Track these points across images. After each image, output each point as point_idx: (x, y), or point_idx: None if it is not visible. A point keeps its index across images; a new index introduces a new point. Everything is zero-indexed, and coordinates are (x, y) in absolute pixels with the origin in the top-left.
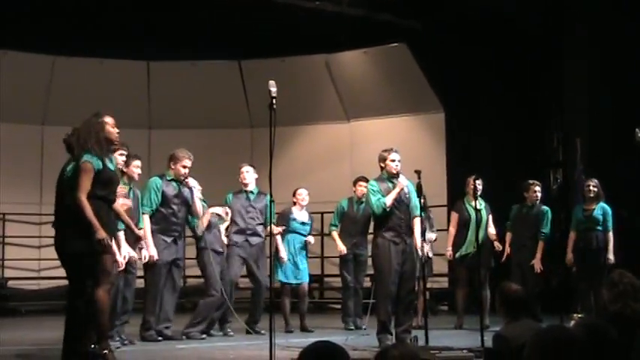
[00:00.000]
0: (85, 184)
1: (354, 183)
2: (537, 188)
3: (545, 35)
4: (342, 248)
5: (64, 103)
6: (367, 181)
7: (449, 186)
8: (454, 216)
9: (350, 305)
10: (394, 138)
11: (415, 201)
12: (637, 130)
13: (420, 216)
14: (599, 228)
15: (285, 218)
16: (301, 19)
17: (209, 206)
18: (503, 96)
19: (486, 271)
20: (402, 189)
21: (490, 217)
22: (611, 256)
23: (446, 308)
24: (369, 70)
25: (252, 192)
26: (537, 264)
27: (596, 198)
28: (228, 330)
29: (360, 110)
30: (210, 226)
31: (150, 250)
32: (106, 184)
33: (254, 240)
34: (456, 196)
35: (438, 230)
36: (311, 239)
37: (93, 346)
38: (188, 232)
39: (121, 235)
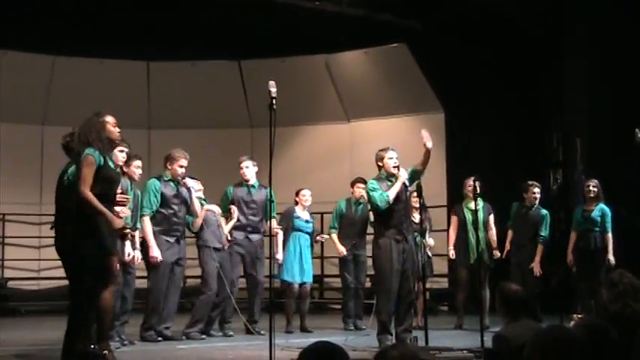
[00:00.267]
0: (88, 177)
1: (352, 184)
2: (536, 190)
3: (545, 35)
4: (342, 249)
5: (64, 103)
6: (365, 182)
7: (449, 186)
8: (453, 219)
9: (350, 306)
10: (394, 138)
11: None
12: (637, 130)
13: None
14: (598, 229)
15: (288, 218)
16: (301, 19)
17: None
18: (503, 96)
19: (486, 272)
20: (404, 182)
21: (492, 217)
22: (611, 258)
23: (446, 308)
24: (369, 70)
25: (253, 186)
26: (536, 267)
27: (596, 198)
28: (228, 330)
29: (360, 110)
30: (207, 223)
31: (153, 252)
32: (106, 181)
33: (254, 237)
34: (455, 196)
35: (437, 230)
36: (324, 237)
37: (93, 346)
38: (188, 232)
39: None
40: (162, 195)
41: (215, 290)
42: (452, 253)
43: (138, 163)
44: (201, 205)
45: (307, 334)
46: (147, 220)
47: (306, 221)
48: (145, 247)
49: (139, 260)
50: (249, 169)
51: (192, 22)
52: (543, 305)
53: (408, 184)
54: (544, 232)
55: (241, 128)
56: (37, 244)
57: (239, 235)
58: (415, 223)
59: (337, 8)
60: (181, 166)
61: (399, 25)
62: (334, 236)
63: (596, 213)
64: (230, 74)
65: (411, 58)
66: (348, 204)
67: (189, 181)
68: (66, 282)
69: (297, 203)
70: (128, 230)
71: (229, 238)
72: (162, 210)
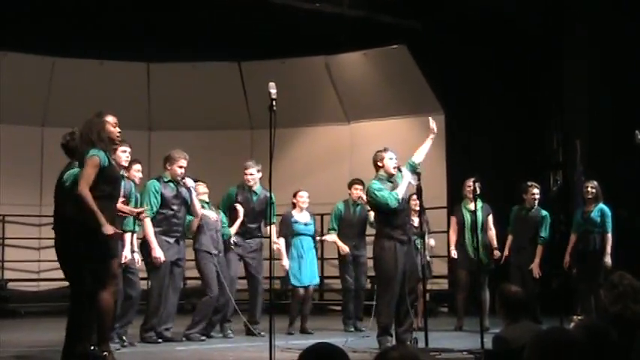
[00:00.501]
0: (90, 177)
1: (349, 186)
2: (536, 191)
3: (545, 35)
4: (344, 247)
5: (64, 104)
6: (362, 183)
7: (449, 188)
8: (453, 220)
9: (350, 307)
10: (394, 140)
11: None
12: (637, 132)
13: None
14: (597, 230)
15: (286, 224)
16: (301, 21)
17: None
18: (503, 96)
19: (486, 273)
20: (410, 182)
21: (490, 218)
22: (607, 259)
23: (446, 310)
24: (369, 71)
25: (255, 192)
26: (536, 269)
27: (594, 199)
28: (228, 332)
29: (360, 112)
30: (206, 227)
31: (156, 253)
32: (111, 180)
33: (252, 242)
34: (455, 197)
35: (437, 232)
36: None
37: (93, 347)
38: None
39: (127, 235)
40: (162, 196)
41: (217, 293)
42: (454, 253)
43: (138, 167)
44: (203, 207)
45: (307, 335)
46: (148, 221)
47: (305, 224)
48: (145, 248)
49: (139, 262)
50: (254, 176)
51: (192, 23)
52: (543, 307)
53: (414, 182)
54: (544, 233)
55: (241, 129)
56: (36, 245)
57: (238, 240)
58: (414, 226)
59: (337, 9)
60: (181, 167)
61: (399, 26)
62: (335, 237)
63: (595, 213)
64: (230, 75)
65: (411, 60)
66: (346, 206)
67: (188, 182)
68: (66, 283)
69: (294, 205)
70: (120, 232)
71: (235, 240)
72: (162, 211)
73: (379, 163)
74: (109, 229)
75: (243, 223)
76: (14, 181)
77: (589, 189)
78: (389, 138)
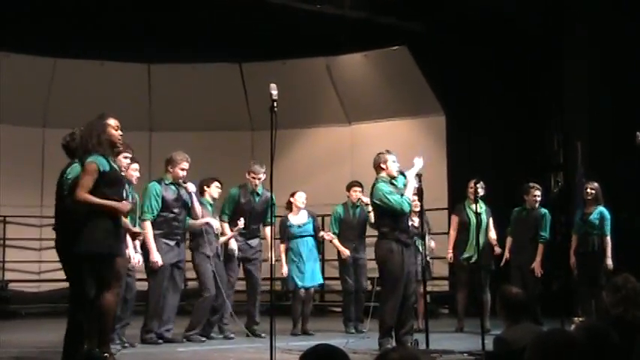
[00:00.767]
0: (87, 184)
1: (348, 188)
2: (537, 192)
3: (545, 35)
4: (345, 251)
5: (65, 105)
6: (361, 185)
7: (450, 189)
8: (454, 219)
9: (351, 309)
10: (395, 141)
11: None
12: (638, 133)
13: (421, 219)
14: (596, 232)
15: (283, 229)
16: (302, 22)
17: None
18: (503, 96)
19: (487, 274)
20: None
21: (491, 220)
22: (609, 262)
23: (446, 311)
24: (369, 73)
25: (258, 193)
26: (537, 268)
27: (594, 201)
28: (229, 332)
29: (361, 113)
30: (206, 231)
31: (154, 257)
32: (112, 184)
33: (253, 242)
34: (456, 198)
35: (438, 233)
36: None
37: (93, 349)
38: (188, 235)
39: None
40: (163, 199)
41: (214, 293)
42: (450, 257)
43: (135, 166)
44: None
45: (308, 336)
46: (148, 224)
47: (299, 226)
48: (145, 250)
49: (140, 263)
50: (260, 180)
51: (192, 24)
52: (544, 308)
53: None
54: (544, 232)
55: (242, 131)
56: (37, 246)
57: (239, 241)
58: (415, 227)
59: (338, 11)
60: (183, 169)
61: (400, 27)
62: (335, 240)
63: (594, 216)
64: (231, 76)
65: (412, 61)
66: (345, 208)
67: (190, 186)
68: (66, 284)
69: (289, 205)
70: (138, 229)
71: (233, 248)
72: (163, 213)
73: (382, 166)
74: (125, 206)
75: (245, 227)
76: (15, 182)
77: (589, 190)
78: (390, 139)
